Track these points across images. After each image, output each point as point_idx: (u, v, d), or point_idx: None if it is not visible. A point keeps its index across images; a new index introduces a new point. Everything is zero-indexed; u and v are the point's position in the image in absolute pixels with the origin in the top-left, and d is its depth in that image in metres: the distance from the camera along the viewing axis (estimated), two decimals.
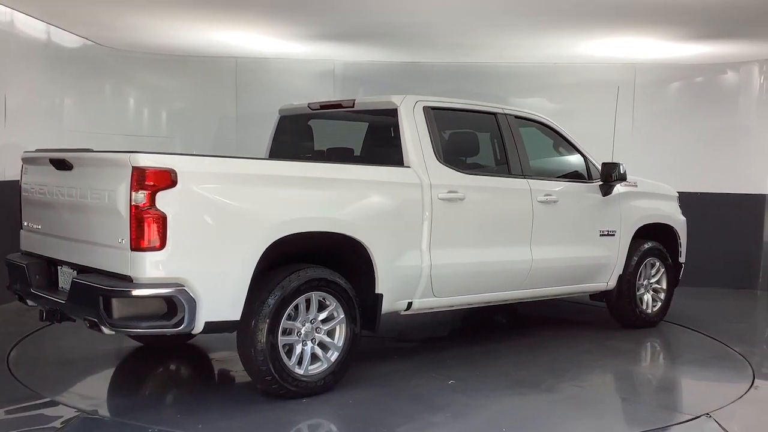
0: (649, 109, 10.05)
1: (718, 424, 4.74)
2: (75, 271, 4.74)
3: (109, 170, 4.45)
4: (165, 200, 4.26)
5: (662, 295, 7.46)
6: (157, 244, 4.25)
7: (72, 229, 4.80)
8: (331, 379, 4.96)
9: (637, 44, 8.71)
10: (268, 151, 6.61)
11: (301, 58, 9.98)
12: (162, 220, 4.25)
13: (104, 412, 4.83)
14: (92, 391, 5.31)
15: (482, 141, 6.34)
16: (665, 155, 9.86)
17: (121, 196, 4.29)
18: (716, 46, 8.73)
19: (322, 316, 4.96)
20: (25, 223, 5.40)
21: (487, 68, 10.12)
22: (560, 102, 10.19)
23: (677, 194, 7.82)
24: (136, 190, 4.23)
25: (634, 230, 7.12)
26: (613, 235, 6.92)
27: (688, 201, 7.85)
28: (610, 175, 6.69)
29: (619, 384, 5.86)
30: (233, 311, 4.52)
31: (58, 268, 4.99)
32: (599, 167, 6.79)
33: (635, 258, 7.12)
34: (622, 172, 6.68)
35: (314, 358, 4.93)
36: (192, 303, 4.33)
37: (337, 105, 6.21)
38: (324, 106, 6.29)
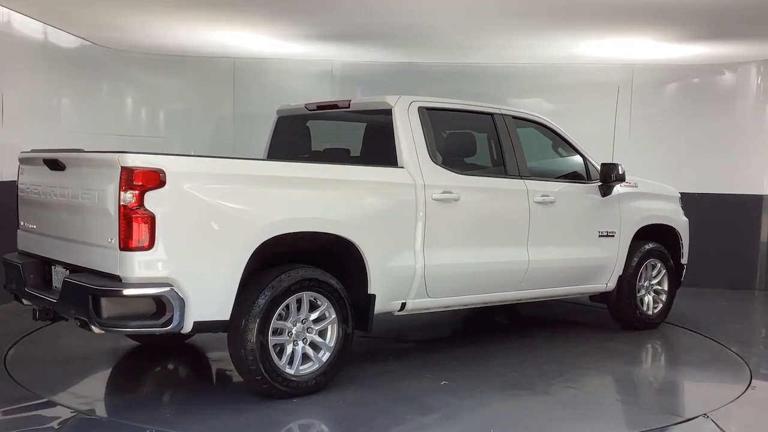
0: (647, 109, 10.03)
1: (716, 424, 4.73)
2: (68, 271, 4.78)
3: (98, 170, 4.48)
4: (154, 200, 4.28)
5: (663, 297, 7.41)
6: (146, 244, 4.27)
7: (65, 228, 4.83)
8: (322, 379, 4.96)
9: (635, 45, 8.69)
10: (266, 151, 6.63)
11: (299, 59, 9.99)
12: (150, 220, 4.27)
13: (101, 412, 4.85)
14: (89, 391, 5.33)
15: (479, 141, 6.33)
16: (663, 156, 9.85)
17: (111, 196, 4.31)
18: (714, 46, 8.71)
19: (314, 316, 4.96)
20: (22, 223, 5.45)
21: (486, 69, 10.12)
22: (558, 102, 10.18)
23: (679, 195, 7.76)
24: (125, 190, 4.25)
25: (634, 231, 7.08)
26: (613, 235, 6.88)
27: (685, 201, 7.84)
28: (609, 176, 6.65)
29: (616, 385, 5.82)
30: (222, 311, 4.54)
31: (52, 267, 5.03)
32: (599, 168, 6.76)
33: (635, 259, 7.08)
34: (620, 172, 6.64)
35: (305, 358, 4.93)
36: (180, 303, 4.35)
37: (333, 105, 6.22)
38: (320, 107, 6.29)
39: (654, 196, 7.47)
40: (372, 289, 5.21)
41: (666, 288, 7.42)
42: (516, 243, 6.13)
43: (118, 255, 4.30)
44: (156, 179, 4.29)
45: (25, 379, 5.14)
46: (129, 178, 4.25)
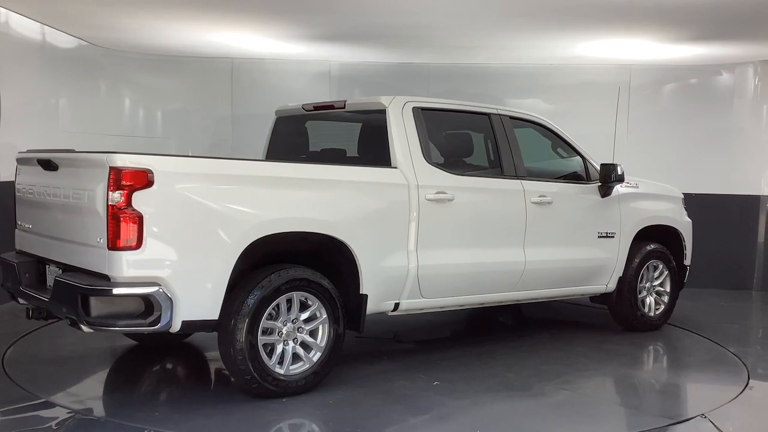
0: (645, 110, 10.01)
1: (713, 424, 4.72)
2: (61, 270, 4.82)
3: (88, 170, 4.52)
4: (141, 200, 4.30)
5: (666, 298, 7.35)
6: (134, 243, 4.30)
7: (58, 228, 4.88)
8: (313, 379, 4.97)
9: (633, 45, 8.67)
10: (265, 151, 6.66)
11: (297, 59, 10.00)
12: (138, 220, 4.30)
13: (99, 412, 4.85)
14: (87, 392, 5.35)
15: (475, 142, 6.31)
16: (660, 156, 9.84)
17: (99, 196, 4.34)
18: (711, 47, 8.68)
19: (304, 316, 4.97)
20: (19, 223, 5.49)
21: (484, 69, 10.11)
22: (556, 103, 10.16)
23: (682, 196, 7.69)
24: (113, 190, 4.28)
25: (635, 232, 7.03)
26: (613, 236, 6.83)
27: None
28: (608, 176, 6.61)
29: (612, 387, 5.78)
30: (211, 311, 4.56)
31: (47, 267, 5.07)
32: (598, 168, 6.71)
33: (636, 260, 7.03)
34: (619, 173, 6.60)
35: (296, 357, 4.94)
36: (168, 302, 4.37)
37: (329, 106, 6.23)
38: (317, 107, 6.31)
39: (656, 197, 7.41)
40: (364, 290, 5.21)
41: (668, 289, 7.36)
42: (512, 243, 6.11)
43: (106, 254, 4.33)
44: (144, 179, 4.32)
45: (23, 380, 5.16)
46: (117, 178, 4.28)
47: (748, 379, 5.78)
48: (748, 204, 9.78)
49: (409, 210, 5.44)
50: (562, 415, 4.88)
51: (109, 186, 4.28)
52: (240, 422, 4.50)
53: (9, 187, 5.67)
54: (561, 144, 6.73)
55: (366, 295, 5.22)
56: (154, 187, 4.34)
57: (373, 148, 5.81)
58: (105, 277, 4.37)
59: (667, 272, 7.33)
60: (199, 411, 4.68)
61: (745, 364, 6.15)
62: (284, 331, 4.88)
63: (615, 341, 6.81)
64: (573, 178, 6.73)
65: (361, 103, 6.13)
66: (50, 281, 4.97)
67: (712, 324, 7.69)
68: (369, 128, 6.06)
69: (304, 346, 4.98)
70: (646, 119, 9.98)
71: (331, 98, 9.13)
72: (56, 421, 4.47)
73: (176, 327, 4.46)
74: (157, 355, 5.97)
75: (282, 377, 4.83)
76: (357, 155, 6.15)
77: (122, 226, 4.28)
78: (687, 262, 7.60)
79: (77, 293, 4.35)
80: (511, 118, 6.37)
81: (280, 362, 4.86)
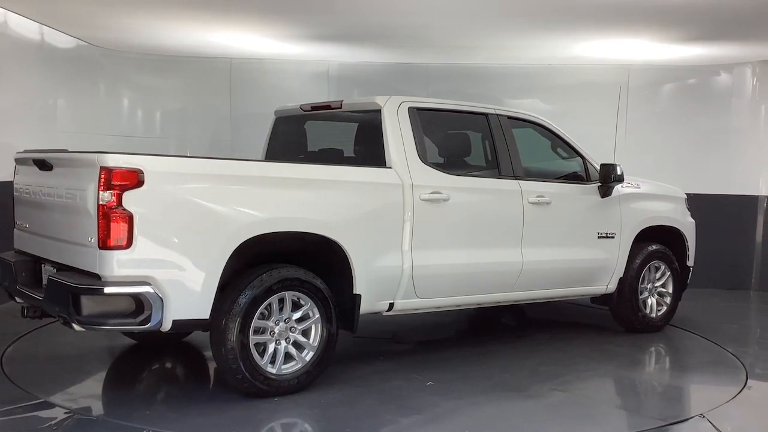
0: (643, 110, 9.99)
1: (712, 424, 4.72)
2: (55, 269, 4.85)
3: (80, 170, 4.54)
4: (132, 200, 4.32)
5: (668, 299, 7.30)
6: (124, 243, 4.32)
7: (52, 228, 4.91)
8: (305, 379, 4.97)
9: (631, 46, 8.65)
10: (265, 151, 6.68)
11: (295, 59, 10.00)
12: (129, 220, 4.32)
13: (98, 412, 4.85)
14: (86, 392, 5.35)
15: (472, 142, 6.29)
16: (658, 157, 9.82)
17: (90, 196, 4.37)
18: (709, 47, 8.65)
19: (297, 315, 4.97)
20: (17, 222, 5.54)
21: (483, 69, 10.10)
22: (555, 103, 10.14)
23: (685, 196, 7.64)
24: (104, 190, 4.30)
25: (636, 232, 6.98)
26: (613, 237, 6.79)
27: None
28: (608, 177, 6.57)
29: (610, 388, 5.75)
30: (201, 310, 4.57)
31: (42, 266, 5.11)
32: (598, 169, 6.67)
33: (638, 261, 6.98)
34: (619, 173, 6.55)
35: (289, 357, 4.95)
36: (159, 301, 4.39)
37: (326, 106, 6.24)
38: (315, 108, 6.32)
39: (657, 197, 7.36)
40: (357, 289, 5.20)
41: (670, 290, 7.30)
42: (509, 244, 6.08)
43: (97, 254, 4.36)
44: (134, 179, 4.34)
45: (21, 380, 5.17)
46: (108, 177, 4.30)
47: (747, 379, 5.77)
48: (746, 204, 9.76)
49: (404, 210, 5.43)
50: (557, 417, 4.85)
51: (99, 186, 4.30)
52: (230, 421, 4.50)
53: (8, 187, 5.71)
54: (561, 144, 6.70)
55: (359, 295, 5.21)
56: (145, 186, 4.35)
57: (368, 148, 5.80)
58: (96, 277, 4.40)
59: (669, 273, 7.28)
60: (192, 410, 4.69)
61: (743, 364, 6.14)
62: (276, 331, 4.89)
63: (615, 342, 6.77)
64: (573, 178, 6.69)
65: (357, 103, 6.13)
66: (45, 280, 5.00)
67: (710, 324, 7.66)
68: (365, 128, 6.06)
69: (297, 345, 4.98)
70: (644, 119, 9.97)
71: (329, 98, 9.14)
72: (55, 421, 4.48)
73: (167, 326, 4.48)
74: (155, 354, 5.99)
75: (273, 376, 4.84)
76: (354, 155, 6.15)
77: (112, 226, 4.30)
78: (690, 263, 7.54)
79: (68, 292, 4.38)
80: (510, 118, 6.35)
81: (273, 362, 4.87)
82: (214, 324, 4.69)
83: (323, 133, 6.79)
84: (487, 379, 5.52)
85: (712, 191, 9.51)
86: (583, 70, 10.02)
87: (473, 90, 9.97)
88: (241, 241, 4.65)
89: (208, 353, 6.00)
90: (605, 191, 6.68)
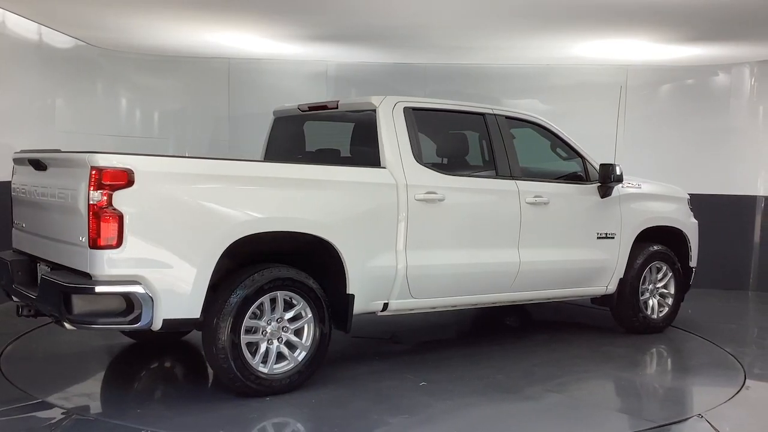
0: (641, 110, 9.96)
1: (710, 424, 4.71)
2: (49, 268, 4.89)
3: (72, 170, 4.57)
4: (122, 199, 4.35)
5: (669, 300, 7.24)
6: (114, 242, 4.35)
7: (47, 227, 4.95)
8: (297, 378, 4.98)
9: (630, 46, 8.63)
10: (264, 152, 6.70)
11: (294, 59, 10.01)
12: (119, 219, 4.34)
13: (96, 412, 4.86)
14: (84, 392, 5.35)
15: (470, 142, 6.28)
16: (656, 157, 9.79)
17: (81, 195, 4.40)
18: (708, 48, 8.62)
19: (289, 315, 4.98)
20: (15, 222, 5.59)
21: (481, 70, 10.09)
22: (553, 103, 10.12)
23: (688, 196, 7.57)
24: (94, 189, 4.32)
25: (637, 233, 6.93)
26: (613, 237, 6.74)
27: None
28: (607, 177, 6.53)
29: (606, 389, 5.70)
30: (192, 309, 4.58)
31: (38, 265, 5.15)
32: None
33: (638, 262, 6.93)
34: (618, 173, 6.51)
35: (281, 356, 4.96)
36: (149, 300, 4.42)
37: (323, 107, 6.24)
38: (312, 108, 6.33)
39: (659, 198, 7.30)
40: (351, 289, 5.20)
41: (672, 291, 7.24)
42: (506, 244, 6.06)
43: (88, 253, 4.39)
44: (125, 179, 4.36)
45: (19, 380, 5.18)
46: (98, 177, 4.33)
47: (745, 379, 5.75)
48: (744, 204, 9.74)
49: (398, 210, 5.42)
50: (551, 419, 4.83)
51: (90, 185, 4.33)
52: (220, 420, 4.51)
53: (7, 187, 5.76)
54: (560, 144, 6.66)
55: (353, 295, 5.21)
56: (135, 186, 4.38)
57: (364, 148, 5.80)
58: (88, 276, 4.43)
59: (671, 274, 7.22)
60: (183, 408, 4.72)
61: (741, 365, 6.12)
62: (268, 331, 4.90)
63: (614, 343, 6.74)
64: (573, 178, 6.65)
65: (353, 104, 6.13)
66: (40, 279, 5.05)
67: (708, 324, 7.63)
68: (360, 128, 6.06)
69: (290, 345, 4.99)
70: (642, 120, 9.95)
71: (328, 99, 9.15)
72: (53, 422, 4.48)
73: (158, 325, 4.50)
74: (153, 353, 6.01)
75: (265, 376, 4.85)
76: (351, 155, 6.15)
77: (103, 225, 4.32)
78: (693, 263, 7.48)
79: (59, 291, 4.42)
80: (508, 118, 6.32)
81: (265, 361, 4.88)
82: (205, 323, 4.72)
83: (322, 133, 6.80)
84: (481, 379, 5.50)
85: (710, 191, 9.46)
86: (582, 70, 10.02)
87: (472, 90, 9.98)
88: (232, 241, 4.66)
89: None
90: (605, 191, 6.64)
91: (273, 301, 4.91)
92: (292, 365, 4.97)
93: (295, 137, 6.62)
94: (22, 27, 7.96)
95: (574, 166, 6.72)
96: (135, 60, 9.85)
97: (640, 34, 7.98)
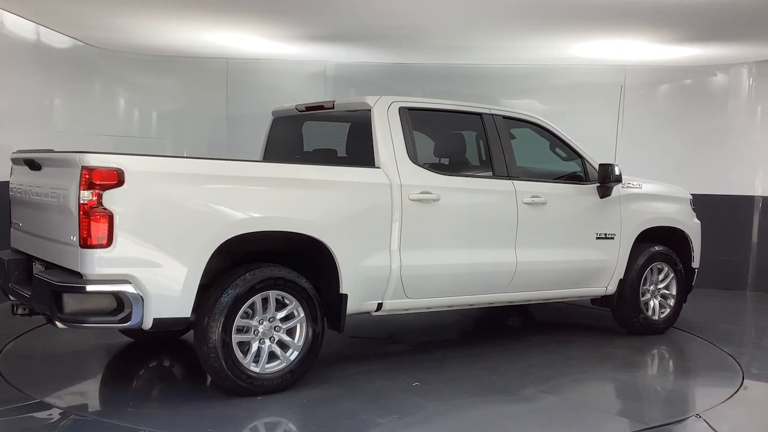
0: (639, 111, 9.93)
1: (708, 424, 4.69)
2: (43, 267, 4.93)
3: (63, 170, 4.60)
4: (112, 199, 4.37)
5: (671, 301, 7.18)
6: (104, 241, 4.37)
7: (41, 226, 4.99)
8: (289, 378, 4.98)
9: (628, 46, 8.60)
10: (263, 152, 6.71)
11: (292, 59, 10.01)
12: (109, 219, 4.36)
13: (94, 412, 4.86)
14: (82, 392, 5.35)
15: (466, 142, 6.26)
16: (654, 157, 9.75)
17: (72, 195, 4.42)
18: (706, 48, 8.58)
19: (281, 314, 4.99)
20: (13, 221, 5.64)
21: (480, 70, 10.07)
22: (552, 103, 10.10)
23: (690, 197, 7.51)
24: (84, 189, 4.35)
25: (637, 233, 6.88)
26: (612, 238, 6.70)
27: None
28: (606, 177, 6.49)
29: (602, 390, 5.66)
30: (182, 308, 4.60)
31: (34, 264, 5.19)
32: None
33: (639, 262, 6.88)
34: (617, 173, 6.47)
35: (273, 356, 4.96)
36: (139, 299, 4.44)
37: (319, 107, 6.24)
38: (309, 108, 6.33)
39: (660, 198, 7.25)
40: (344, 289, 5.20)
41: (674, 292, 7.19)
42: (502, 244, 6.03)
43: (78, 252, 4.41)
44: (115, 178, 4.38)
45: (17, 380, 5.19)
46: (88, 177, 4.35)
47: (743, 379, 5.74)
48: (742, 204, 9.70)
49: (392, 210, 5.41)
50: (544, 421, 4.79)
51: (80, 185, 4.36)
52: (210, 419, 4.52)
53: (5, 186, 5.81)
54: (559, 144, 6.62)
55: (346, 295, 5.21)
56: (125, 186, 4.40)
57: (359, 148, 5.79)
58: (79, 275, 4.45)
59: (672, 275, 7.16)
60: (174, 407, 4.74)
61: (739, 364, 6.11)
62: (260, 330, 4.91)
63: (614, 344, 6.70)
64: (572, 178, 6.62)
65: (348, 104, 6.13)
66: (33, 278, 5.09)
67: (706, 324, 7.61)
68: (356, 128, 6.06)
69: (282, 344, 5.00)
70: (640, 120, 9.91)
71: (326, 99, 9.16)
72: (51, 422, 4.49)
73: (148, 324, 4.52)
74: (152, 353, 6.03)
75: (256, 375, 4.85)
76: (347, 155, 6.15)
77: (93, 225, 4.35)
78: (695, 264, 7.43)
79: (51, 290, 4.45)
80: (505, 118, 6.29)
81: (256, 360, 4.89)
82: (197, 322, 4.74)
83: (320, 133, 6.81)
84: (474, 380, 5.49)
85: (708, 191, 9.41)
86: (580, 70, 9.99)
87: (470, 90, 9.96)
88: (223, 241, 4.67)
89: None
90: (604, 191, 6.59)
91: (265, 300, 4.91)
92: (284, 365, 4.98)
93: (293, 137, 6.63)
94: (20, 27, 7.98)
95: (573, 167, 6.69)
96: (133, 60, 9.87)
97: (638, 34, 7.95)
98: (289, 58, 9.93)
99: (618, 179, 6.50)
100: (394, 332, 6.89)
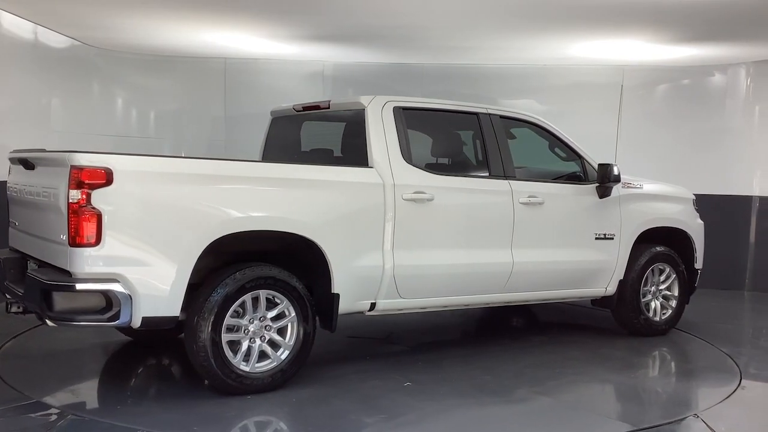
0: (637, 111, 9.90)
1: (706, 424, 4.68)
2: (37, 266, 4.97)
3: (54, 169, 4.64)
4: (101, 198, 4.40)
5: (673, 303, 7.11)
6: (93, 240, 4.40)
7: (35, 225, 5.04)
8: (280, 377, 4.99)
9: (626, 46, 8.56)
10: (261, 152, 6.73)
11: (290, 59, 10.02)
12: (98, 218, 4.39)
13: (92, 412, 4.87)
14: (80, 391, 5.36)
15: (462, 141, 6.23)
16: (652, 157, 9.71)
17: (62, 194, 4.46)
18: (704, 48, 8.54)
19: (272, 314, 4.99)
20: (11, 220, 5.69)
21: (478, 70, 10.06)
22: (550, 103, 10.07)
23: (693, 197, 7.44)
24: (73, 188, 4.38)
25: (637, 234, 6.81)
26: (612, 238, 6.64)
27: None
28: (605, 177, 6.44)
29: (599, 391, 5.62)
30: (171, 307, 4.61)
31: (28, 263, 5.24)
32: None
33: (640, 263, 6.82)
34: (615, 173, 6.41)
35: (263, 355, 4.97)
36: (127, 298, 4.46)
37: (315, 107, 6.25)
38: (306, 108, 6.34)
39: (661, 198, 7.18)
40: (336, 289, 5.20)
41: (676, 293, 7.12)
42: (499, 244, 6.00)
43: (68, 251, 4.45)
44: (103, 177, 4.41)
45: (14, 380, 5.20)
46: (77, 176, 4.38)
47: (741, 379, 5.71)
48: (740, 204, 9.66)
49: (385, 210, 5.40)
50: (537, 422, 4.75)
51: (69, 184, 4.39)
52: (198, 418, 4.53)
53: (3, 186, 5.86)
54: (558, 144, 6.58)
55: (338, 294, 5.21)
56: (114, 185, 4.43)
57: (354, 147, 5.79)
58: (68, 274, 4.49)
59: (674, 276, 7.09)
60: (161, 406, 4.76)
61: (737, 364, 6.08)
62: (251, 329, 4.92)
63: (614, 345, 6.66)
64: (571, 178, 6.57)
65: (343, 104, 6.11)
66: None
67: (704, 324, 7.57)
68: (350, 128, 6.05)
69: (273, 344, 5.00)
70: (638, 120, 9.87)
71: (324, 99, 9.16)
72: (48, 422, 4.51)
73: (137, 323, 4.54)
74: (150, 352, 6.04)
75: (246, 374, 4.86)
76: (342, 155, 6.14)
77: (82, 224, 4.38)
78: (698, 265, 7.35)
79: (41, 288, 4.48)
80: (503, 117, 6.25)
81: (246, 360, 4.89)
82: (186, 321, 4.76)
83: (318, 133, 6.80)
84: (467, 380, 5.46)
85: (705, 191, 9.30)
86: (579, 70, 9.96)
87: (469, 90, 9.95)
88: (212, 240, 4.68)
89: None
90: (603, 192, 6.54)
91: (255, 299, 4.92)
92: (274, 364, 4.98)
93: (291, 137, 6.64)
94: (18, 27, 8.01)
95: (572, 167, 6.64)
96: (131, 60, 9.90)
97: (636, 34, 7.91)
98: (288, 58, 9.95)
99: (617, 179, 6.44)
100: (393, 332, 6.88)
